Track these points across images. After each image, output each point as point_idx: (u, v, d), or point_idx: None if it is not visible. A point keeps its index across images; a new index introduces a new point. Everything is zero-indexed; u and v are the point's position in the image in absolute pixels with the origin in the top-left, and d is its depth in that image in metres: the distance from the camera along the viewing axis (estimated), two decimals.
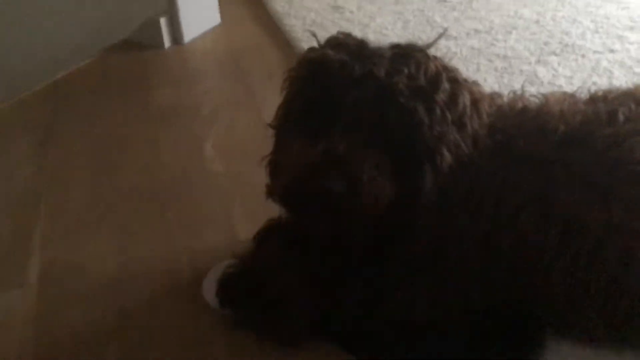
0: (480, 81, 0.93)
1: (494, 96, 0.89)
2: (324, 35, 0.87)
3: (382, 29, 1.71)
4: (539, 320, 0.85)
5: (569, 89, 1.24)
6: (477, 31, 1.67)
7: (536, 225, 0.79)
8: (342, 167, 0.75)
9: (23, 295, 1.01)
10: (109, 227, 1.14)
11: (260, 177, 0.91)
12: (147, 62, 1.69)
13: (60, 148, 1.37)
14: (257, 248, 0.99)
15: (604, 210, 0.77)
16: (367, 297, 0.85)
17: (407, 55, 0.80)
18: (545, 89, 1.32)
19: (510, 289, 0.82)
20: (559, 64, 1.49)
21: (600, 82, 1.37)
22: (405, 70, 0.78)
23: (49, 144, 1.38)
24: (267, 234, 1.00)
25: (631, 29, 1.63)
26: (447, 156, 0.78)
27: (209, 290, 0.94)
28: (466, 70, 1.41)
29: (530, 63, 1.50)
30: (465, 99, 0.81)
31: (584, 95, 0.91)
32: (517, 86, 0.93)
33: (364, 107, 0.77)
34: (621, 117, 0.82)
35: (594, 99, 0.89)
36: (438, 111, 0.78)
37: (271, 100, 0.94)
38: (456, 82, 0.82)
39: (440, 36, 0.87)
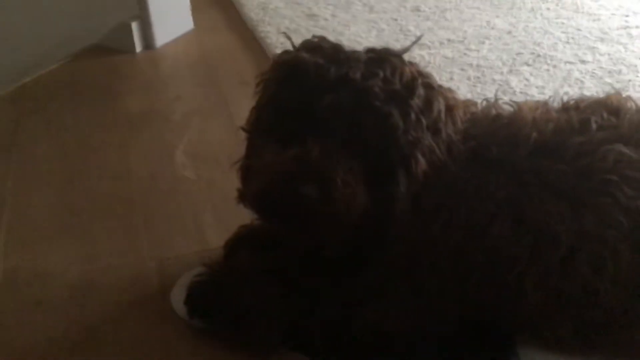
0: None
1: (468, 103, 0.89)
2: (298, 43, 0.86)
3: (357, 37, 1.71)
4: (511, 329, 0.85)
5: (541, 98, 1.25)
6: (450, 41, 1.68)
7: (508, 233, 0.78)
8: (315, 172, 0.74)
9: None
10: (74, 235, 1.10)
11: (232, 184, 0.89)
12: (117, 66, 1.65)
13: (25, 154, 1.33)
14: (228, 256, 0.97)
15: (575, 219, 0.77)
16: (341, 307, 0.83)
17: (383, 59, 0.80)
18: (518, 99, 1.32)
19: (483, 299, 0.81)
20: (531, 74, 1.51)
21: (572, 92, 1.38)
22: (381, 74, 0.77)
23: (14, 149, 1.34)
24: (239, 241, 0.98)
25: (602, 40, 1.65)
26: (422, 161, 0.77)
27: (178, 299, 0.92)
28: (439, 79, 1.38)
29: (502, 73, 1.52)
30: (440, 105, 0.80)
31: (556, 103, 0.91)
32: (489, 95, 0.94)
33: (338, 111, 0.76)
34: (593, 126, 0.82)
35: (566, 107, 0.90)
36: (413, 116, 0.77)
37: (244, 106, 0.92)
38: (431, 87, 0.81)
39: (415, 41, 0.86)
